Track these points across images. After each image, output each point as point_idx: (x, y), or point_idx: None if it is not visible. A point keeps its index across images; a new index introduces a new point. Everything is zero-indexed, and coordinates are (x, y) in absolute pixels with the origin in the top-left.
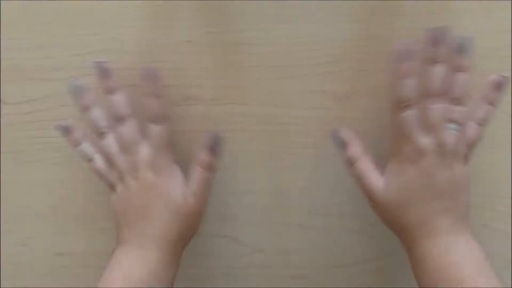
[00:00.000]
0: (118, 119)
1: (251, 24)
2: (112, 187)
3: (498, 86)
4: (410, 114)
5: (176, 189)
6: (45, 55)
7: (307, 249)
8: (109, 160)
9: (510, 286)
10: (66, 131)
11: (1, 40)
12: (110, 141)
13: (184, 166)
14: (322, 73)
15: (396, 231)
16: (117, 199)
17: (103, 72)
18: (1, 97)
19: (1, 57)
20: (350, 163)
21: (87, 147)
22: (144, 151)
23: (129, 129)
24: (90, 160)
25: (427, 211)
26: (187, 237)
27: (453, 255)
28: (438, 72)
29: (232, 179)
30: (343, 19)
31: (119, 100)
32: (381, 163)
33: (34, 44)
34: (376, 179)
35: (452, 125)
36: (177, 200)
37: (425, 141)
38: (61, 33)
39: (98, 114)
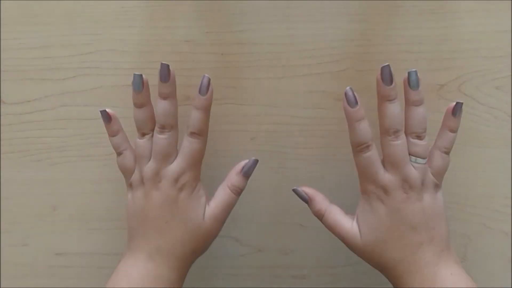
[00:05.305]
0: (160, 127)
1: (251, 24)
2: (130, 187)
3: (455, 112)
4: (370, 154)
5: (197, 210)
6: (45, 55)
7: (307, 249)
8: (138, 161)
9: (510, 286)
10: (107, 119)
11: (1, 40)
12: (146, 144)
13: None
14: (322, 73)
15: (380, 270)
16: (134, 204)
17: (163, 76)
18: (1, 97)
19: (1, 57)
20: (319, 217)
21: (121, 139)
22: (174, 164)
23: (167, 140)
24: (119, 153)
25: (404, 247)
26: (197, 255)
27: (440, 285)
28: (394, 109)
29: None
30: (343, 19)
31: (166, 108)
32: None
33: (34, 44)
34: (349, 225)
35: (415, 159)
36: (196, 221)
37: (389, 178)
38: (61, 33)
39: (146, 114)
